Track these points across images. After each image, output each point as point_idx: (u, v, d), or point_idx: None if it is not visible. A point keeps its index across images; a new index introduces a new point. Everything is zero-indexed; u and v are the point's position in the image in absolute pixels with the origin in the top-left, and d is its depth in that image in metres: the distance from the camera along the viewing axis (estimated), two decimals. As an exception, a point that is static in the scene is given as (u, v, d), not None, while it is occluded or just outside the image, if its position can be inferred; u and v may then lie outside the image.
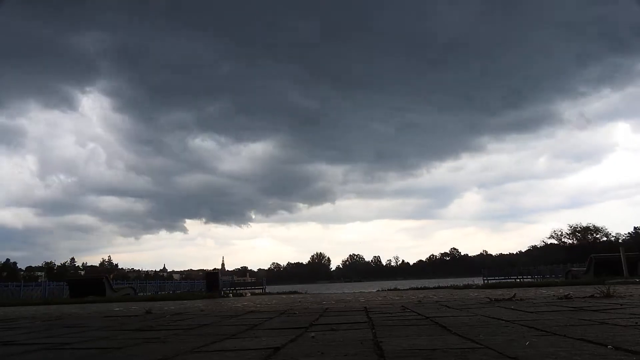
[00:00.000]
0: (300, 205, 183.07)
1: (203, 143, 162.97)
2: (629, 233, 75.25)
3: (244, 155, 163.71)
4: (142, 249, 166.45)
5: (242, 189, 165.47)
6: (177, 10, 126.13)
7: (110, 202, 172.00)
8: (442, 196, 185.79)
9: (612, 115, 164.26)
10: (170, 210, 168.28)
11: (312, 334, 2.55)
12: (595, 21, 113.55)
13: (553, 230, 74.01)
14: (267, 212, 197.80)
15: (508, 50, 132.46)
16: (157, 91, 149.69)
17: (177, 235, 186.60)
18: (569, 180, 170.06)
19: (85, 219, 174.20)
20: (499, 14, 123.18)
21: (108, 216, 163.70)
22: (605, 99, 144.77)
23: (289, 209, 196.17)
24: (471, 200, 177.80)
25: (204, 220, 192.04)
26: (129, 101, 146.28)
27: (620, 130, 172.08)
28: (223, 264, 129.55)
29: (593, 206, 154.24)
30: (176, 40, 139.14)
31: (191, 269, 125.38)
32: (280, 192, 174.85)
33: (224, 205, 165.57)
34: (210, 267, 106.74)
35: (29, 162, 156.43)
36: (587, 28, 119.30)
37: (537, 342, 1.94)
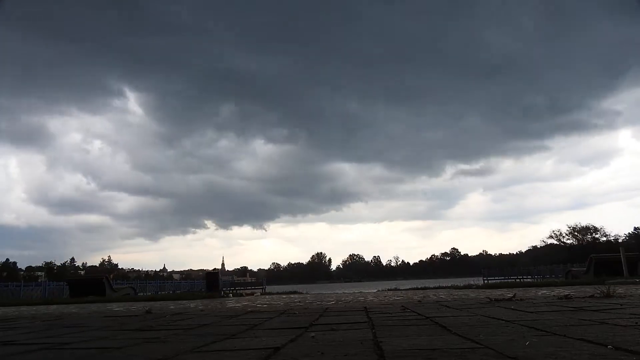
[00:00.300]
0: (321, 207, 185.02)
1: (231, 144, 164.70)
2: (629, 233, 75.50)
3: (261, 157, 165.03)
4: (144, 249, 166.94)
5: (261, 190, 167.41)
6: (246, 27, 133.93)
7: (131, 201, 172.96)
8: (449, 197, 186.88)
9: (619, 120, 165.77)
10: (187, 211, 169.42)
11: (312, 334, 2.55)
12: (628, 41, 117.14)
13: (552, 231, 74.18)
14: (291, 213, 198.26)
15: (546, 67, 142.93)
16: (194, 92, 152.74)
17: (188, 236, 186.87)
18: (574, 182, 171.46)
19: (100, 219, 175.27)
20: (541, 38, 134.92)
21: (122, 216, 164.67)
22: (619, 104, 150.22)
23: (313, 211, 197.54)
24: (476, 201, 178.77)
25: (218, 221, 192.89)
26: (159, 102, 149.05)
27: (625, 135, 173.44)
28: (223, 264, 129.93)
29: (595, 207, 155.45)
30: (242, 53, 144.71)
31: (191, 269, 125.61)
32: (304, 193, 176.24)
33: (243, 206, 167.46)
34: (210, 267, 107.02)
35: (50, 161, 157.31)
36: (619, 47, 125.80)
37: (537, 342, 1.94)
